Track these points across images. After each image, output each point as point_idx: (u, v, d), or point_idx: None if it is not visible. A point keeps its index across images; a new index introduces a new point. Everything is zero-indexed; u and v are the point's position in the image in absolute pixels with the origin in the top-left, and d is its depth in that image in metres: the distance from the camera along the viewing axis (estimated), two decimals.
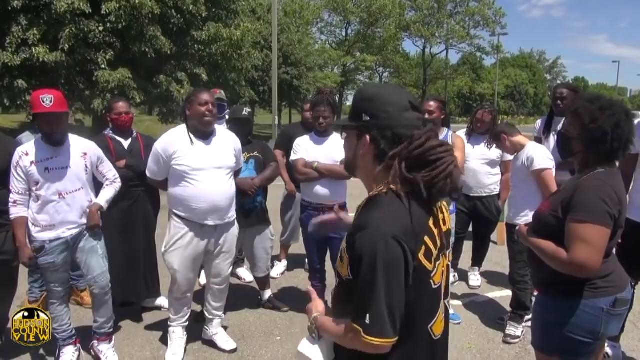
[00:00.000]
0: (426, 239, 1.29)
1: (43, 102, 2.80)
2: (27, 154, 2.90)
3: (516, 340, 3.60)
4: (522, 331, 3.64)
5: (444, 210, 1.41)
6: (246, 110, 4.05)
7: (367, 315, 1.23)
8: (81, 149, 3.06)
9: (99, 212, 3.09)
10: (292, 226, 4.92)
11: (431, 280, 1.33)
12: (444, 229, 1.38)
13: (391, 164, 1.30)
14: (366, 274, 1.23)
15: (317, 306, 1.51)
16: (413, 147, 1.28)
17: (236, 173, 3.45)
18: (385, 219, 1.25)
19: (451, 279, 4.63)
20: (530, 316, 3.69)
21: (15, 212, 2.88)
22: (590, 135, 1.97)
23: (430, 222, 1.33)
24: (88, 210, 3.06)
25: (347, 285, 1.33)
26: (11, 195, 2.89)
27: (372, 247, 1.22)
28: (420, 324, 1.34)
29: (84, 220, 3.05)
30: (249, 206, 3.84)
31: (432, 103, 3.93)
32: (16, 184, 2.89)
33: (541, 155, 3.40)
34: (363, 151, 1.36)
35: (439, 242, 1.34)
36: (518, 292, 3.67)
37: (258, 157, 3.96)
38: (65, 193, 2.95)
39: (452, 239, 3.48)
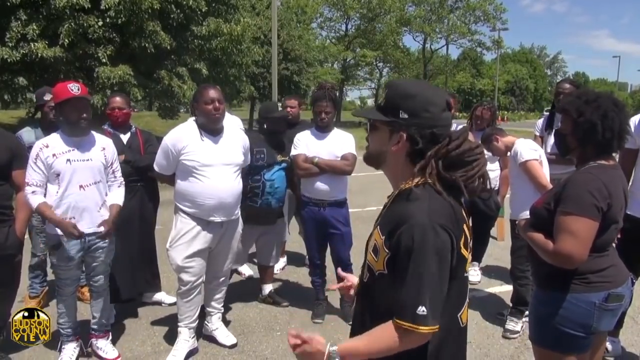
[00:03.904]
0: (464, 227, 1.34)
1: (71, 90, 2.87)
2: (47, 146, 2.93)
3: (515, 336, 3.62)
4: (522, 326, 3.65)
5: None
6: (280, 107, 3.95)
7: (421, 307, 1.23)
8: (101, 144, 3.11)
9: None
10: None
11: (464, 270, 1.37)
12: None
13: (427, 163, 1.32)
14: (419, 266, 1.23)
15: (319, 341, 1.33)
16: (452, 148, 1.31)
17: (242, 170, 3.45)
18: (430, 209, 1.27)
19: (475, 278, 4.67)
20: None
21: (36, 200, 2.89)
22: (580, 129, 1.99)
23: (463, 213, 1.38)
24: (105, 214, 3.07)
25: (380, 279, 1.34)
26: (28, 188, 2.90)
27: (422, 236, 1.24)
28: (453, 311, 1.36)
29: (100, 221, 3.06)
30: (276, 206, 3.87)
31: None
32: (34, 176, 2.90)
33: (524, 148, 3.47)
34: (396, 147, 1.36)
35: (469, 233, 1.39)
36: (519, 288, 3.68)
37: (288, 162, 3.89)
38: (86, 185, 2.97)
39: None
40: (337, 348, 1.31)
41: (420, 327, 1.23)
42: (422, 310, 1.23)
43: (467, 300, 1.43)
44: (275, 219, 3.99)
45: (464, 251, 1.33)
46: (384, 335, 1.28)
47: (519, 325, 3.66)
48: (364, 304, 1.43)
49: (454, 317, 1.37)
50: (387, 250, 1.31)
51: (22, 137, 3.64)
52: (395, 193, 1.40)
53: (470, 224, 1.52)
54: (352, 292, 1.61)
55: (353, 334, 1.43)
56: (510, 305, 3.79)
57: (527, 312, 3.61)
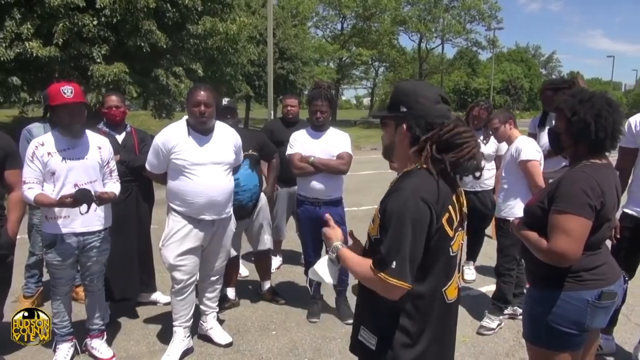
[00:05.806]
0: (450, 208, 1.53)
1: (64, 93, 2.83)
2: (42, 145, 2.92)
3: (490, 333, 3.67)
4: (499, 324, 3.70)
5: (463, 195, 1.66)
6: (225, 100, 3.92)
7: (394, 262, 1.43)
8: (97, 143, 3.10)
9: (109, 201, 3.10)
10: (276, 221, 4.84)
11: (450, 248, 1.55)
12: (463, 209, 1.64)
13: (423, 147, 1.51)
14: (396, 228, 1.44)
15: (337, 233, 1.70)
16: (443, 132, 1.50)
17: (235, 168, 3.45)
18: (417, 184, 1.49)
19: (470, 276, 4.70)
20: (509, 310, 3.78)
21: (32, 193, 2.87)
22: (573, 128, 2.01)
23: (454, 197, 1.56)
24: (100, 214, 3.07)
25: (375, 244, 1.53)
26: (24, 185, 2.89)
27: (404, 205, 1.45)
28: (436, 284, 1.55)
29: (97, 224, 3.06)
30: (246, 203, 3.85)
31: None
32: (30, 174, 2.90)
33: (528, 147, 3.49)
34: (400, 138, 1.58)
35: (459, 215, 1.58)
36: (502, 285, 3.74)
37: (253, 155, 3.87)
38: (81, 184, 2.96)
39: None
40: (342, 248, 1.64)
41: (389, 278, 1.43)
42: (393, 265, 1.43)
43: (455, 280, 1.61)
44: (250, 211, 3.97)
45: (447, 228, 1.51)
46: (366, 265, 1.51)
47: (495, 322, 3.71)
48: None
49: (438, 289, 1.55)
50: (379, 216, 1.52)
51: (32, 132, 3.62)
52: (400, 174, 1.61)
53: (464, 209, 1.64)
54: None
55: (358, 299, 1.69)
56: (492, 301, 3.81)
57: (506, 311, 3.75)
